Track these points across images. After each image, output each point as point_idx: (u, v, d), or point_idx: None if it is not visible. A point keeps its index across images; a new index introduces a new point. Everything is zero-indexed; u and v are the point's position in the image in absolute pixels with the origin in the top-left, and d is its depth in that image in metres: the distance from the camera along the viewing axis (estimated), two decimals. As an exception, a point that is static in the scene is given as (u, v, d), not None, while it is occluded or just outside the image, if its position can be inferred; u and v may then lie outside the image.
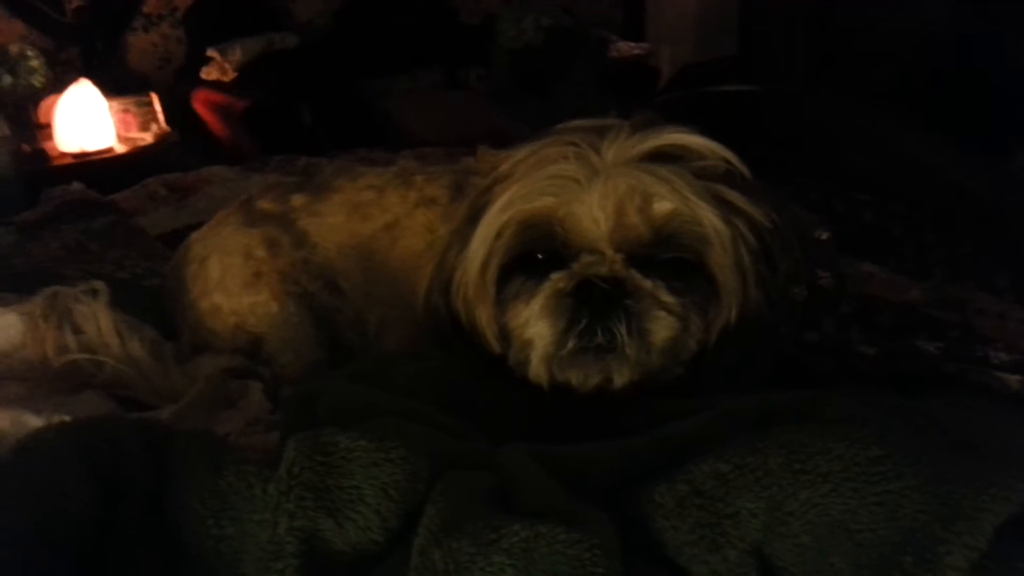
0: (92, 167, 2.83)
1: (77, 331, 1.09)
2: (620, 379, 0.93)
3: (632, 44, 4.01)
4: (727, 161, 0.99)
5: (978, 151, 1.84)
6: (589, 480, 0.78)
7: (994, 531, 0.65)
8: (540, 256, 0.96)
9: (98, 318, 1.09)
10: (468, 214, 1.00)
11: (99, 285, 1.14)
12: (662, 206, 0.93)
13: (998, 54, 2.70)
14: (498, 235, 0.95)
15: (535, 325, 0.93)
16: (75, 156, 2.90)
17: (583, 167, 0.94)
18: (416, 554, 0.67)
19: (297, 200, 1.27)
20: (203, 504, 0.71)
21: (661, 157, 0.96)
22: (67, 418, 0.88)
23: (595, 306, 0.91)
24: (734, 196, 0.97)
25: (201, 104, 3.26)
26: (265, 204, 1.28)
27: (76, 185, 1.98)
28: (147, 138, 3.05)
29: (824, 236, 1.12)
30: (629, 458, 0.80)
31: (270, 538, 0.67)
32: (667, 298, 0.93)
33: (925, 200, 1.57)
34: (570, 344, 0.92)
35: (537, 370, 0.95)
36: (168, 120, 3.11)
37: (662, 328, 0.93)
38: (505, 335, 0.98)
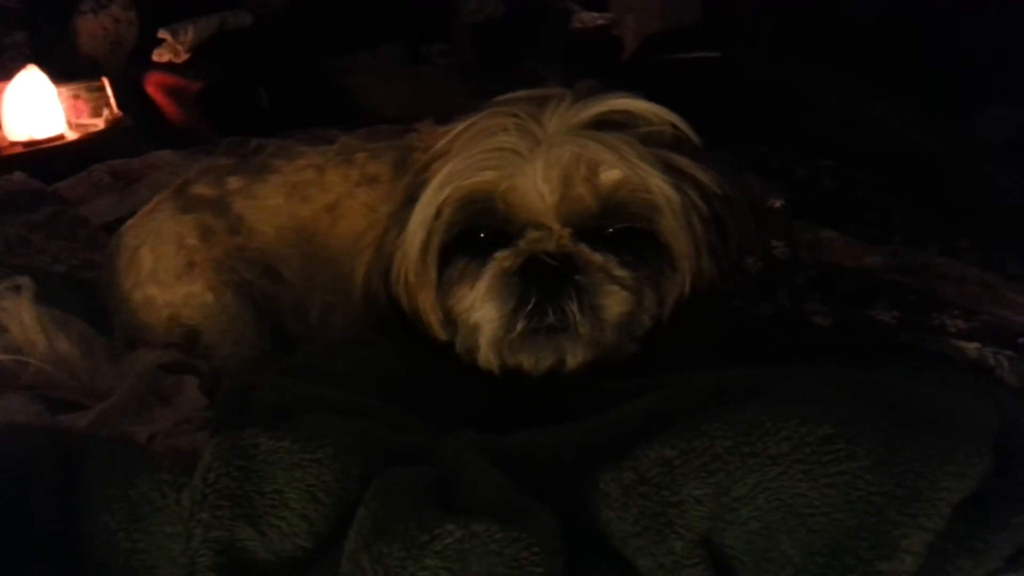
0: (43, 155, 2.75)
1: (0, 330, 1.03)
2: (574, 359, 0.90)
3: (595, 14, 3.96)
4: (674, 126, 0.95)
5: (942, 115, 1.82)
6: (536, 469, 0.75)
7: (951, 510, 0.62)
8: (482, 235, 0.92)
9: (22, 315, 1.03)
10: (406, 195, 0.96)
11: (24, 281, 1.08)
12: (609, 174, 0.90)
13: (963, 19, 2.67)
14: (437, 214, 0.91)
15: (481, 308, 0.90)
16: (25, 145, 2.81)
17: (524, 138, 0.90)
18: (346, 560, 0.64)
19: (233, 183, 1.21)
20: (113, 516, 0.66)
21: (606, 125, 0.93)
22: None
23: (544, 284, 0.88)
24: (683, 162, 0.94)
25: (154, 87, 3.18)
26: (200, 188, 1.23)
27: (17, 175, 1.90)
28: (99, 124, 2.97)
29: (777, 204, 1.08)
30: (578, 444, 0.77)
31: (184, 551, 0.63)
32: (619, 272, 0.90)
33: (887, 165, 1.54)
34: (519, 325, 0.88)
35: (486, 355, 0.91)
36: (121, 105, 3.02)
37: (615, 303, 0.89)
38: (450, 320, 0.95)
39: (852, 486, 0.63)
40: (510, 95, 0.96)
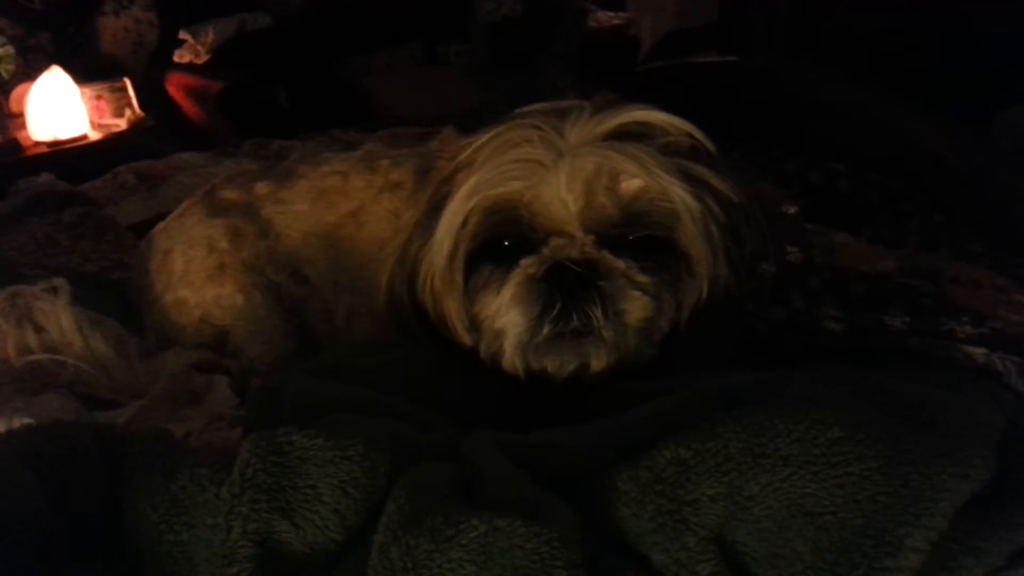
0: (66, 155, 2.79)
1: (39, 330, 1.07)
2: (598, 363, 0.92)
3: (611, 14, 3.97)
4: (691, 136, 0.97)
5: (956, 119, 1.83)
6: (556, 468, 0.78)
7: (955, 511, 0.65)
8: (507, 243, 0.94)
9: (59, 316, 1.07)
10: (430, 205, 0.98)
11: (60, 282, 1.12)
12: (631, 184, 0.92)
13: (976, 23, 2.68)
14: (464, 223, 0.93)
15: (507, 314, 0.92)
16: (49, 145, 2.86)
17: (547, 149, 0.92)
18: (375, 552, 0.67)
19: (261, 188, 1.25)
20: (156, 509, 0.70)
21: (625, 135, 0.95)
22: (26, 420, 0.87)
23: (568, 290, 0.89)
24: (701, 171, 0.96)
25: (175, 88, 3.22)
26: (228, 193, 1.26)
27: (44, 176, 1.93)
28: (121, 124, 3.01)
29: (792, 211, 1.11)
30: (596, 444, 0.79)
31: (224, 542, 0.66)
32: (641, 278, 0.92)
33: (901, 169, 1.56)
34: (545, 330, 0.90)
35: (512, 359, 0.93)
36: (142, 105, 3.07)
37: (637, 308, 0.91)
38: (475, 326, 0.97)
39: (859, 486, 0.65)
40: (530, 107, 0.98)
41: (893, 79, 2.50)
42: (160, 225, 1.31)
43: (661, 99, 1.02)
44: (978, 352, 0.87)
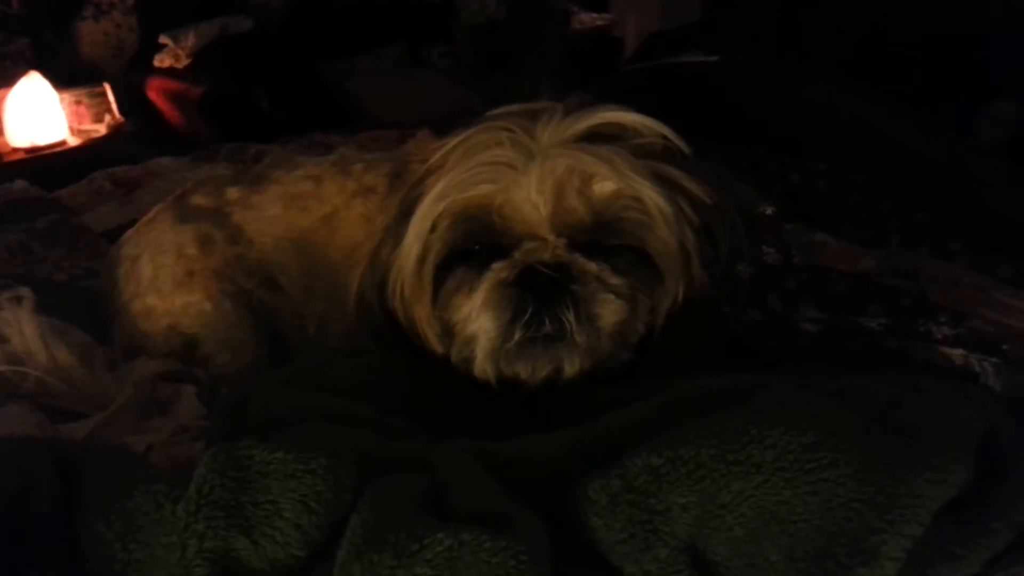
0: (45, 161, 2.76)
1: (1, 340, 1.05)
2: (571, 368, 0.91)
3: (595, 15, 3.97)
4: (664, 138, 0.96)
5: (937, 117, 1.82)
6: (527, 476, 0.77)
7: (931, 517, 0.63)
8: (478, 247, 0.93)
9: (23, 326, 1.05)
10: (400, 209, 0.97)
11: (24, 292, 1.10)
12: (603, 186, 0.91)
13: (962, 22, 2.68)
14: (433, 228, 0.92)
15: (478, 319, 0.91)
16: (27, 151, 2.82)
17: (518, 152, 0.91)
18: (338, 569, 0.65)
19: (232, 193, 1.23)
20: (110, 527, 0.68)
21: (597, 137, 0.94)
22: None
23: (540, 294, 0.88)
24: (674, 173, 0.95)
25: (156, 93, 3.19)
26: (198, 199, 1.24)
27: (19, 183, 1.91)
28: (101, 130, 2.98)
29: (769, 211, 1.10)
30: (569, 452, 0.78)
31: (179, 561, 0.64)
32: (614, 281, 0.91)
33: (882, 168, 1.55)
34: (516, 336, 0.89)
35: (483, 366, 0.92)
36: (122, 110, 3.04)
37: (611, 312, 0.90)
38: (447, 332, 0.95)
39: (833, 493, 0.64)
40: (502, 109, 0.97)
41: (876, 77, 2.49)
42: (129, 232, 1.29)
43: (644, 99, 1.00)
44: (955, 353, 0.86)
